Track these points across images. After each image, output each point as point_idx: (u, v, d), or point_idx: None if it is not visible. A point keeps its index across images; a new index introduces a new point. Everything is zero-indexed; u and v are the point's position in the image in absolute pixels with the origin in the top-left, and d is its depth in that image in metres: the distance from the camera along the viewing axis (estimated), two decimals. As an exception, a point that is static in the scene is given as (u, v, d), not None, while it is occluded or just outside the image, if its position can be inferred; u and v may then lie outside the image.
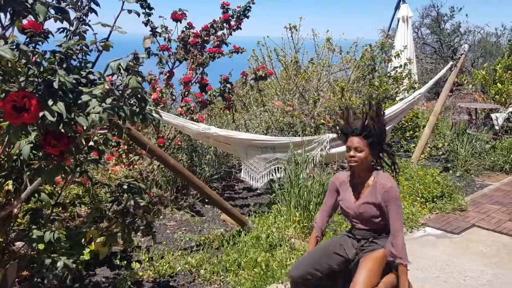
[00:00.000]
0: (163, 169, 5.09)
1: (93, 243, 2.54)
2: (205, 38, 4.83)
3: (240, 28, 5.51)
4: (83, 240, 2.74)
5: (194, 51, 4.75)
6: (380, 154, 2.87)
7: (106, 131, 1.99)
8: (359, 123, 2.90)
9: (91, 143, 2.19)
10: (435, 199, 4.89)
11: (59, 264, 2.21)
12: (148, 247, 3.95)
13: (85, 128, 1.81)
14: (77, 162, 2.48)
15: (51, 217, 2.43)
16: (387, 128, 5.55)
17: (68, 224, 4.02)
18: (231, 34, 5.46)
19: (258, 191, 5.74)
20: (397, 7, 9.60)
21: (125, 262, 3.60)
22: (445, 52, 19.36)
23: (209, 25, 5.02)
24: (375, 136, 2.82)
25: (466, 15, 24.57)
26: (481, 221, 4.53)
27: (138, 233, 4.29)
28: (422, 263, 3.66)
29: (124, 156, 4.99)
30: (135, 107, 2.10)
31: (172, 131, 5.44)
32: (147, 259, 3.67)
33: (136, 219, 2.36)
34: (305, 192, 4.16)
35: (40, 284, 2.49)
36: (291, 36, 7.30)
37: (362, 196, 2.91)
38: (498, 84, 9.11)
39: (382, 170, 2.87)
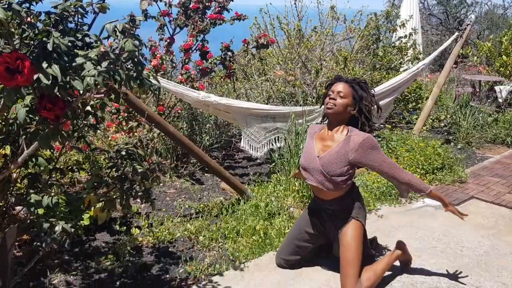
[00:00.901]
0: (163, 137, 5.07)
1: (92, 208, 2.54)
2: (206, 4, 4.72)
3: (241, 16, 5.35)
4: (82, 205, 2.76)
5: (195, 17, 4.66)
6: (360, 118, 2.79)
7: (103, 95, 1.96)
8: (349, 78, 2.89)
9: (88, 108, 2.17)
10: (435, 171, 4.89)
11: (57, 228, 2.21)
12: (147, 214, 3.98)
13: (80, 92, 1.78)
14: (74, 128, 2.46)
15: (50, 182, 2.43)
16: (390, 99, 5.53)
17: (68, 190, 4.04)
18: (232, 0, 5.33)
19: (258, 161, 5.74)
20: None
21: (124, 228, 3.62)
22: (451, 23, 19.05)
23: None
24: (360, 94, 2.77)
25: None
26: (480, 193, 4.54)
27: (138, 200, 4.34)
28: (420, 234, 3.68)
29: (124, 124, 4.96)
30: (132, 71, 2.07)
31: (173, 99, 5.39)
32: (146, 225, 3.70)
33: (134, 185, 2.35)
34: (305, 162, 4.15)
35: (39, 247, 2.51)
36: (295, 3, 7.16)
37: (330, 150, 2.77)
38: (504, 56, 8.98)
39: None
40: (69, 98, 1.94)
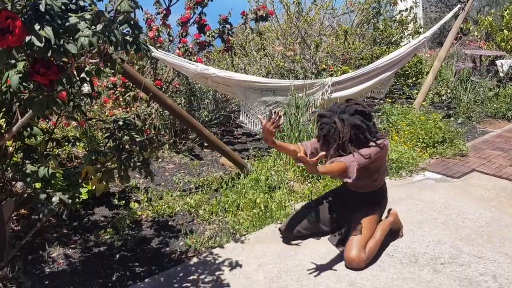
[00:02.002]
0: (162, 113, 5.01)
1: (90, 182, 2.50)
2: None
3: None
4: (79, 179, 2.71)
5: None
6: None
7: (98, 60, 1.89)
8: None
9: (83, 75, 2.10)
10: (436, 144, 4.84)
11: (54, 199, 2.17)
12: (146, 189, 3.94)
13: (74, 52, 1.71)
14: (70, 97, 2.40)
15: (46, 153, 2.38)
16: (390, 73, 5.45)
17: (65, 165, 4.00)
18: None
19: (257, 136, 5.69)
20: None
21: (123, 202, 3.59)
22: (450, 0, 18.77)
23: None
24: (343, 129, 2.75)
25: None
26: (482, 166, 4.51)
27: (137, 175, 4.30)
28: (421, 206, 3.66)
29: (121, 99, 4.89)
30: (128, 36, 2.00)
31: (170, 74, 5.31)
32: (145, 200, 3.67)
33: (133, 155, 2.30)
34: (305, 136, 4.11)
35: (37, 221, 2.48)
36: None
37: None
38: (505, 30, 8.85)
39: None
40: (63, 64, 1.88)
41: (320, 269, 2.77)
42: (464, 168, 4.45)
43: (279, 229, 3.15)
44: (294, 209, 3.49)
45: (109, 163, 2.34)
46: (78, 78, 2.05)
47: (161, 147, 3.14)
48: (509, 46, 8.72)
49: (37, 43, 1.64)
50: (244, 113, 4.26)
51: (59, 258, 2.91)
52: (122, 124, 2.36)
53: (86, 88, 2.57)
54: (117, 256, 2.96)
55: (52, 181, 2.20)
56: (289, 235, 3.10)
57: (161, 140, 3.07)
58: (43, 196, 2.17)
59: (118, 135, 2.31)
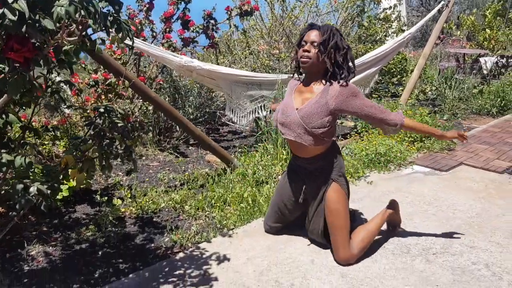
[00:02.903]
0: (145, 111, 4.89)
1: (70, 174, 2.38)
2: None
3: None
4: (59, 175, 2.59)
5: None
6: (336, 67, 2.52)
7: (76, 37, 1.79)
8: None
9: (62, 57, 2.00)
10: (423, 139, 4.82)
11: (32, 189, 2.05)
12: (130, 186, 3.83)
13: (50, 28, 1.61)
14: (48, 83, 2.29)
15: (22, 142, 2.26)
16: (375, 68, 5.43)
17: (45, 162, 3.86)
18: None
19: (244, 134, 5.61)
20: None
21: (106, 198, 3.47)
22: (431, 5, 19.04)
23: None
24: (335, 41, 2.49)
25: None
26: (469, 159, 4.49)
27: (120, 173, 4.18)
28: (410, 198, 3.61)
29: (104, 97, 4.76)
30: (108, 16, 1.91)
31: (154, 71, 5.21)
32: (129, 196, 3.55)
33: (114, 142, 2.20)
34: (292, 129, 4.03)
35: (15, 216, 2.36)
36: (278, -25, 6.96)
37: (309, 101, 2.57)
38: (487, 30, 8.96)
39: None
40: (39, 42, 1.78)
41: (311, 261, 2.69)
42: (452, 161, 4.43)
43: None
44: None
45: (90, 152, 2.22)
46: (55, 62, 1.95)
47: (146, 134, 3.01)
48: (491, 45, 8.82)
49: (10, 16, 1.54)
50: (230, 107, 4.18)
51: (39, 256, 2.78)
52: (104, 111, 2.26)
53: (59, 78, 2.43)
54: (100, 253, 2.84)
55: (30, 172, 2.09)
56: (271, 230, 3.02)
57: (144, 127, 2.96)
58: (20, 186, 2.06)
59: (99, 122, 2.20)
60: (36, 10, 1.63)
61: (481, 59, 7.45)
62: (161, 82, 5.04)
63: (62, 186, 3.41)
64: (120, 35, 2.04)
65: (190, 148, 5.05)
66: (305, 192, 2.79)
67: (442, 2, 6.12)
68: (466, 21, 9.35)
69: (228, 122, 5.80)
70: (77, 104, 4.98)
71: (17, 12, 1.55)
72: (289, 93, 2.75)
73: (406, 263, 2.67)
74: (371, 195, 3.68)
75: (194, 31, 4.82)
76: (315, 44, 2.49)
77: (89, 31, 2.01)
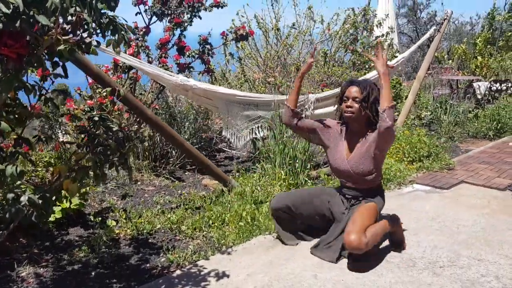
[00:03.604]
0: (139, 137, 4.83)
1: (63, 184, 2.30)
2: (183, -11, 4.55)
3: (219, 2, 5.15)
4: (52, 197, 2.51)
5: (170, 2, 4.47)
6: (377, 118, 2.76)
7: (71, 35, 1.75)
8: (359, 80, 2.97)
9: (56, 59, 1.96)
10: (422, 158, 4.78)
11: (23, 198, 1.97)
12: (124, 208, 3.72)
13: (44, 23, 1.58)
14: (41, 92, 2.24)
15: (14, 151, 2.19)
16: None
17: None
18: (210, 6, 5.12)
19: (241, 159, 5.54)
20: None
21: (99, 218, 3.36)
22: (422, 31, 19.35)
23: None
24: (374, 96, 2.80)
25: (442, 3, 24.89)
26: (470, 177, 4.43)
27: (114, 197, 4.08)
28: (414, 215, 3.52)
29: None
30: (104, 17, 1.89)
31: (149, 96, 5.19)
32: (124, 217, 3.44)
33: (109, 149, 2.13)
34: (290, 149, 3.98)
35: (4, 229, 2.26)
36: (271, 5, 7.08)
37: (356, 149, 2.89)
38: (479, 57, 9.10)
39: None
40: (33, 39, 1.74)
41: (314, 276, 2.58)
42: (453, 180, 4.36)
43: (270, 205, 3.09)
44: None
45: (83, 160, 2.15)
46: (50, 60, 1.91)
47: (141, 143, 2.92)
48: (483, 72, 8.93)
49: (4, 9, 1.52)
50: (227, 128, 4.13)
51: (29, 277, 2.65)
52: (98, 119, 2.20)
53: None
54: (93, 273, 2.72)
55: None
56: (277, 204, 2.99)
57: (140, 137, 2.86)
58: (10, 195, 1.98)
59: (93, 130, 2.14)
60: (30, 5, 1.61)
61: (475, 84, 7.52)
62: (156, 107, 5.01)
63: (55, 208, 3.31)
64: (115, 37, 2.02)
65: (186, 173, 4.97)
66: (336, 212, 2.95)
67: (433, 28, 6.22)
68: (458, 50, 9.50)
69: (225, 149, 5.74)
70: (71, 131, 4.93)
71: (11, 6, 1.53)
72: (339, 137, 3.01)
73: (413, 277, 2.57)
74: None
75: (190, 56, 4.82)
76: (357, 100, 2.81)
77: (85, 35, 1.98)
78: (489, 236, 3.12)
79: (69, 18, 1.66)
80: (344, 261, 2.74)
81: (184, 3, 4.50)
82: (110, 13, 1.95)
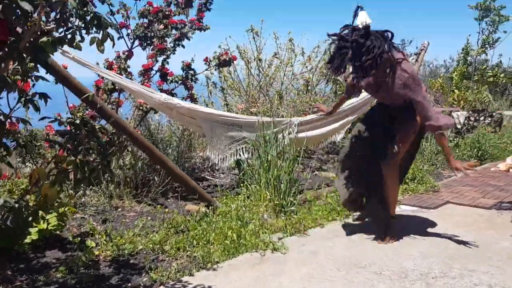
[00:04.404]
0: (121, 165, 4.74)
1: (41, 190, 2.20)
2: (166, 13, 4.59)
3: (202, 24, 5.25)
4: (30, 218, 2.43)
5: (154, 24, 4.49)
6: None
7: (54, 25, 1.72)
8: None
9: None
10: (407, 181, 4.77)
11: (-2, 201, 1.88)
12: (105, 231, 3.57)
13: (27, 9, 1.54)
14: (21, 94, 2.18)
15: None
16: (353, 117, 5.48)
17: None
18: (192, 29, 5.20)
19: (224, 187, 5.45)
20: (355, 15, 9.70)
21: (78, 239, 3.22)
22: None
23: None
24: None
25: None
26: (455, 198, 4.43)
27: (94, 222, 3.93)
28: (401, 229, 3.46)
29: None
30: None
31: (131, 124, 5.13)
32: (104, 238, 3.30)
33: (91, 152, 2.06)
34: (275, 169, 3.93)
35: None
36: (253, 38, 7.20)
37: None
38: (456, 90, 9.32)
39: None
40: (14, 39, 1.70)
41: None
42: (438, 200, 4.35)
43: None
44: (270, 238, 3.22)
45: (63, 163, 2.07)
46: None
47: (123, 150, 2.81)
48: (461, 105, 9.13)
49: (-16, -8, 1.48)
50: (210, 147, 4.07)
51: (1, 298, 2.49)
52: (79, 122, 2.14)
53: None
54: (71, 293, 2.57)
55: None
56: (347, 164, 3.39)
57: (123, 141, 2.75)
58: (-17, 198, 1.89)
59: (74, 131, 2.08)
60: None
61: (454, 114, 7.67)
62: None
63: (31, 229, 3.17)
64: (100, 36, 2.00)
65: (169, 200, 4.85)
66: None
67: (413, 57, 6.36)
68: (435, 84, 9.73)
69: (208, 177, 5.66)
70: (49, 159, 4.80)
71: (-9, -11, 1.50)
72: None
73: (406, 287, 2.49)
74: (364, 229, 3.52)
75: (173, 81, 4.82)
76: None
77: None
78: (479, 248, 3.08)
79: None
80: (334, 273, 2.65)
81: (167, 23, 4.51)
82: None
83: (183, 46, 5.10)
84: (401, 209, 4.14)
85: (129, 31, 4.57)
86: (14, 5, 1.58)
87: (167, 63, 5.01)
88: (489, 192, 4.67)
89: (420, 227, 3.57)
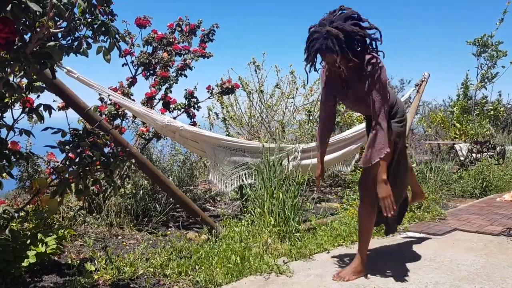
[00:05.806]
0: (121, 194, 4.68)
1: (42, 201, 2.14)
2: (170, 40, 4.65)
3: (205, 53, 5.33)
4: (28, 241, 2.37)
5: (158, 52, 4.54)
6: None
7: (62, 29, 1.72)
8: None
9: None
10: (413, 209, 4.68)
11: (-3, 210, 1.83)
12: (106, 253, 3.48)
13: (36, 10, 1.54)
14: (25, 104, 2.16)
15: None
16: (356, 146, 5.45)
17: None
18: (196, 55, 5.28)
19: (226, 217, 5.36)
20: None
21: (77, 262, 3.12)
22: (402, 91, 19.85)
23: (174, 24, 4.88)
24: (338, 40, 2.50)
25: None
26: (463, 225, 4.33)
27: (95, 249, 3.83)
28: (410, 255, 3.38)
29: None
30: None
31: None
32: (103, 262, 3.20)
33: (94, 160, 2.02)
34: (280, 193, 3.86)
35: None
36: (255, 71, 7.29)
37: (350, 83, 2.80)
38: (457, 124, 9.34)
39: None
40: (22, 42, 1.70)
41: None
42: (446, 227, 4.26)
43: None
44: (275, 261, 3.12)
45: (65, 172, 2.02)
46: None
47: (129, 159, 2.71)
48: (462, 138, 9.12)
49: (-6, -9, 1.49)
50: (213, 172, 4.01)
51: (-5, 320, 2.38)
52: (82, 132, 2.11)
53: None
54: (68, 316, 2.46)
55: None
56: None
57: (127, 154, 2.66)
58: (-18, 207, 1.83)
59: (76, 140, 2.04)
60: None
61: (456, 146, 7.65)
62: (141, 160, 4.89)
63: (29, 252, 3.07)
64: (106, 45, 2.00)
65: (170, 229, 4.75)
66: None
67: (413, 88, 6.40)
68: (436, 118, 9.76)
69: (210, 207, 5.58)
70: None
71: (1, -12, 1.50)
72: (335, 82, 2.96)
73: (418, 308, 2.38)
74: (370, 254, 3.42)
75: (176, 109, 4.82)
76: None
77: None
78: (490, 273, 2.98)
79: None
80: (342, 295, 2.55)
81: (171, 50, 4.56)
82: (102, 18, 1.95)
83: (186, 76, 5.14)
84: (408, 235, 4.05)
85: (133, 58, 4.61)
86: (23, 6, 1.58)
87: (170, 91, 5.03)
88: (496, 220, 4.58)
89: (428, 253, 3.47)
